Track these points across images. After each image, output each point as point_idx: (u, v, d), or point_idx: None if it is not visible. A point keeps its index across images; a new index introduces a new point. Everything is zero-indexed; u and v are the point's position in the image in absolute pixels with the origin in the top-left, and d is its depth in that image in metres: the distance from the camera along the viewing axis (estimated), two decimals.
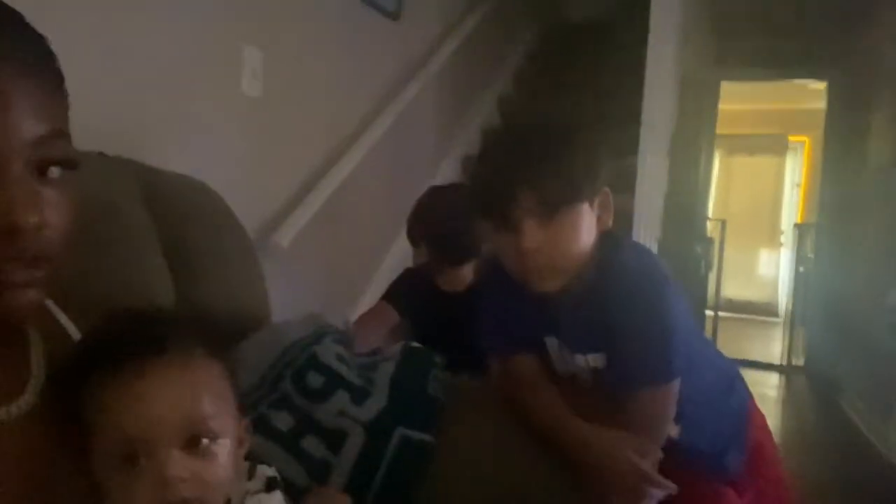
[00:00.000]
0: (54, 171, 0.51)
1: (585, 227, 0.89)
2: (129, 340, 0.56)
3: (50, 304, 0.64)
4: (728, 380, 1.10)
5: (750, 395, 1.12)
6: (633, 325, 0.88)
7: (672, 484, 0.84)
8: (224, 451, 0.58)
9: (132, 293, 0.87)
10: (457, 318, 1.41)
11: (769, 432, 1.17)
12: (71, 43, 1.15)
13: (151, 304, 0.61)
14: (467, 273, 1.50)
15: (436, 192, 1.58)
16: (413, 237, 1.56)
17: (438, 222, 1.50)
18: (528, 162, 0.86)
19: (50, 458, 0.55)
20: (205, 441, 0.56)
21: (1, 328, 0.55)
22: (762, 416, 1.15)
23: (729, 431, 1.05)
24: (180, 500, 0.53)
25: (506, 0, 3.38)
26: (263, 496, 0.63)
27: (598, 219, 0.92)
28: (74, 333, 0.64)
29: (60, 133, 0.51)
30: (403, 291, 1.55)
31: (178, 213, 1.04)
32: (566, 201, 0.87)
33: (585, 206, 0.89)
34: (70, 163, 0.52)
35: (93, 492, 0.56)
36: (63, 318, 0.64)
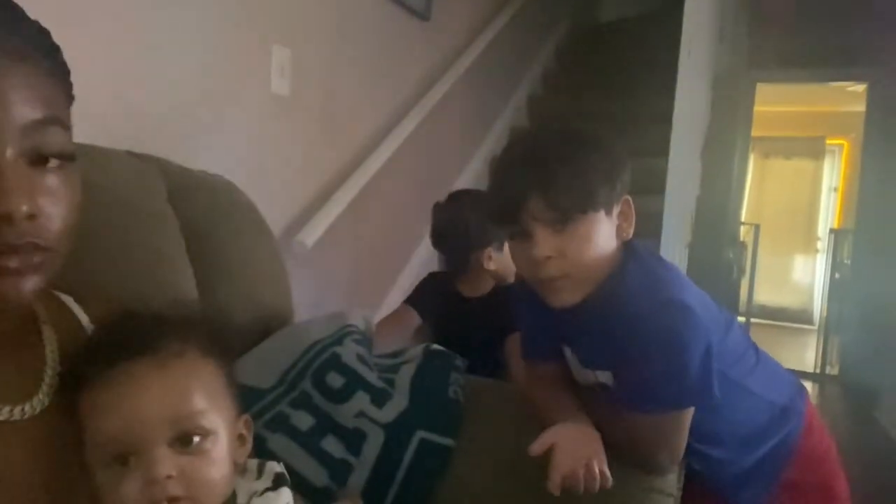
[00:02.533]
0: (53, 161, 0.50)
1: (601, 236, 0.86)
2: (118, 343, 0.56)
3: (69, 300, 0.65)
4: (776, 412, 1.00)
5: (802, 427, 1.02)
6: (638, 349, 0.83)
7: (608, 477, 0.81)
8: (217, 447, 0.58)
9: (155, 291, 0.88)
10: (475, 323, 1.41)
11: (830, 470, 1.06)
12: (101, 42, 1.17)
13: (145, 305, 0.61)
14: (487, 278, 1.49)
15: (442, 202, 1.58)
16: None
17: (440, 230, 1.52)
18: (538, 169, 0.84)
19: (64, 456, 0.56)
20: (195, 438, 0.56)
21: (14, 325, 0.55)
22: (815, 448, 1.04)
23: (757, 468, 0.98)
24: (168, 497, 0.53)
25: (535, 0, 3.36)
26: (271, 494, 0.63)
27: (618, 227, 0.89)
28: (90, 328, 0.64)
29: (55, 121, 0.50)
30: (426, 295, 1.56)
31: (203, 212, 1.05)
32: (579, 209, 0.84)
33: (601, 215, 0.85)
34: (66, 152, 0.51)
35: None
36: (82, 317, 0.64)
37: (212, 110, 1.48)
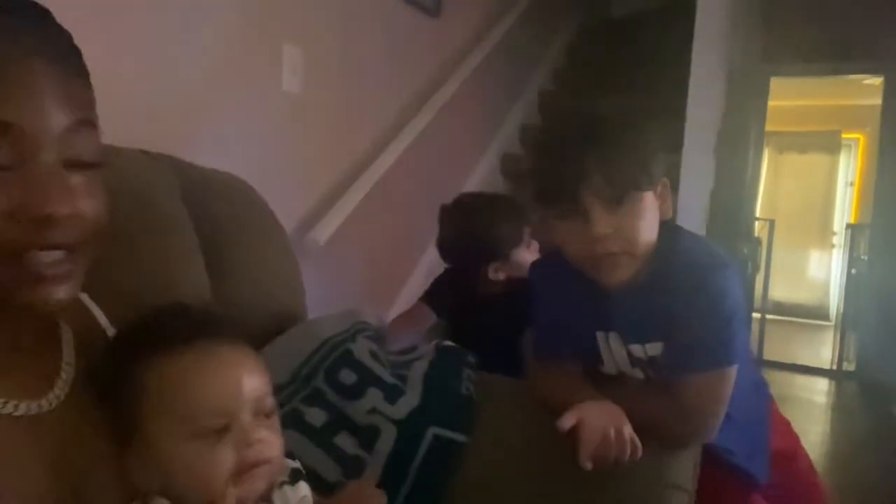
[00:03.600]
0: (85, 163, 0.51)
1: (652, 214, 0.89)
2: (191, 324, 0.61)
3: (84, 297, 0.65)
4: (754, 379, 1.08)
5: (772, 398, 1.12)
6: (695, 310, 0.87)
7: (638, 445, 0.82)
8: (278, 424, 0.63)
9: (169, 288, 0.89)
10: (492, 321, 1.40)
11: (794, 436, 1.16)
12: (114, 41, 1.18)
13: (187, 300, 0.66)
14: (501, 275, 1.47)
15: (448, 209, 1.53)
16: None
17: (445, 243, 1.49)
18: (597, 147, 0.85)
19: (82, 451, 0.56)
20: (269, 412, 0.62)
21: (33, 322, 0.56)
22: (785, 420, 1.15)
23: (756, 434, 1.04)
24: (265, 460, 0.59)
25: None
26: (288, 488, 0.64)
27: (659, 208, 0.92)
28: (108, 327, 0.65)
29: (88, 123, 0.52)
30: (441, 292, 1.54)
31: (216, 210, 1.05)
32: (636, 186, 0.86)
33: (650, 194, 0.89)
34: (98, 154, 0.53)
35: (126, 482, 0.58)
36: (97, 312, 0.65)
37: (223, 108, 1.49)
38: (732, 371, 0.89)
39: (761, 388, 1.10)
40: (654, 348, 0.94)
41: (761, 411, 1.08)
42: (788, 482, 1.08)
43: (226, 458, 0.57)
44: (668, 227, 0.93)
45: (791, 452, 1.11)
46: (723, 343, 0.88)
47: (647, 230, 0.88)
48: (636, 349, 0.95)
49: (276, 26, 1.63)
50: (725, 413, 0.94)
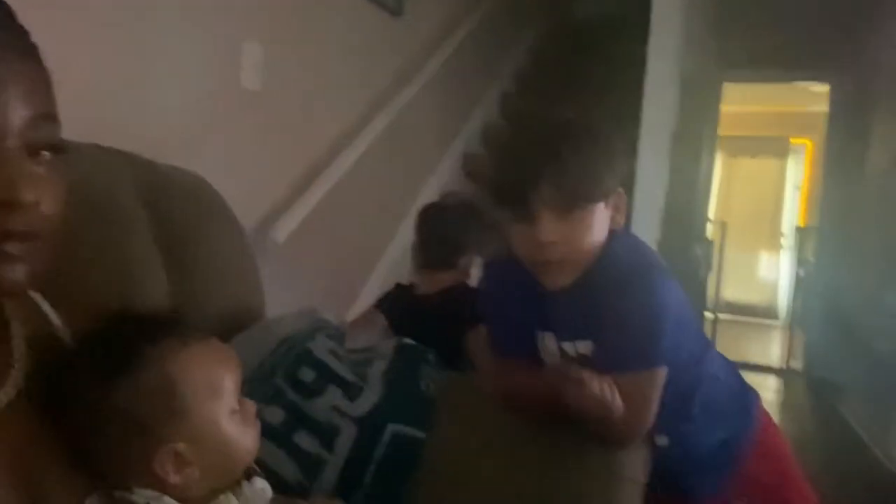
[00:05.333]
0: (45, 154, 0.52)
1: (600, 225, 0.91)
2: (171, 321, 0.64)
3: (37, 297, 0.64)
4: (734, 396, 1.07)
5: (759, 414, 1.09)
6: (618, 310, 0.89)
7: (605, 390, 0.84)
8: None
9: (125, 286, 0.87)
10: (430, 321, 1.41)
11: (780, 456, 1.11)
12: (71, 36, 1.15)
13: (142, 300, 0.68)
14: (443, 279, 1.50)
15: (437, 202, 1.60)
16: None
17: (423, 224, 1.54)
18: (552, 155, 0.87)
19: (32, 450, 0.55)
20: None
21: None
22: (770, 436, 1.10)
23: (717, 451, 1.03)
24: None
25: None
26: (246, 483, 0.65)
27: (611, 218, 0.94)
28: (59, 325, 0.64)
29: (50, 115, 0.53)
30: (388, 300, 1.58)
31: (173, 207, 1.04)
32: (587, 198, 0.88)
33: (601, 206, 0.90)
34: (58, 146, 0.54)
35: (78, 480, 0.57)
36: (48, 310, 0.64)
37: (181, 105, 1.47)
38: (657, 374, 0.90)
39: (747, 406, 1.07)
40: (585, 346, 0.96)
41: (730, 425, 1.04)
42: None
43: (249, 428, 0.64)
44: (611, 234, 0.95)
45: (773, 489, 1.07)
46: (644, 344, 0.89)
47: (592, 241, 0.90)
48: (568, 346, 0.97)
49: (236, 22, 1.61)
50: (683, 421, 0.97)
